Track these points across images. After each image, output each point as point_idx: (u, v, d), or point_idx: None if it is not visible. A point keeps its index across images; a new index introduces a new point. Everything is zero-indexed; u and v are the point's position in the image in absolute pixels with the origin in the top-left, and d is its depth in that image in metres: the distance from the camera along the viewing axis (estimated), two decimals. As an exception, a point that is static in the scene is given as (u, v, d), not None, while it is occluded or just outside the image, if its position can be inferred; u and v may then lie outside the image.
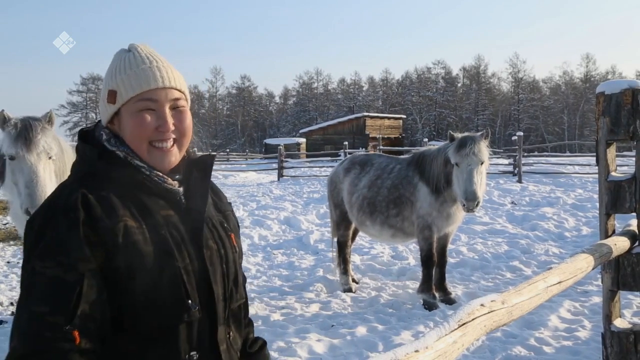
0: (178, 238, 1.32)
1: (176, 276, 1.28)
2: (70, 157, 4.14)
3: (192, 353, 1.32)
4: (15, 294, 6.44)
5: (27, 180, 3.56)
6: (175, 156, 1.40)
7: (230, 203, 1.63)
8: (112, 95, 1.36)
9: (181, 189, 1.41)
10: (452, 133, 5.60)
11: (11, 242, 9.57)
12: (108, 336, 1.23)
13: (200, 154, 1.54)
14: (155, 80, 1.35)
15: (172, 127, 1.37)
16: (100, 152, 1.35)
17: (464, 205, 5.26)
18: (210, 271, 1.36)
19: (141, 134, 1.35)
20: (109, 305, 1.22)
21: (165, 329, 1.28)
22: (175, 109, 1.39)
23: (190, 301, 1.30)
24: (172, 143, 1.38)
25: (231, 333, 1.46)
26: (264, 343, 1.65)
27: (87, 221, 1.21)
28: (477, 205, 5.21)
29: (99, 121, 1.44)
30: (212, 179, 1.52)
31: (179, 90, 1.40)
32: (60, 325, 1.14)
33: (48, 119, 3.83)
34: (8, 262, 8.22)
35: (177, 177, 1.42)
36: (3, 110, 3.72)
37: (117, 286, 1.23)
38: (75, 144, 4.59)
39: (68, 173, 4.18)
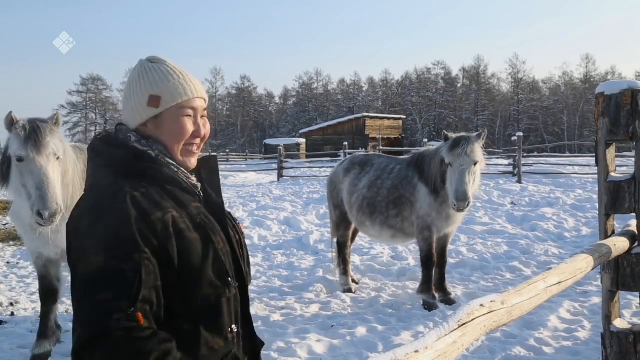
0: (210, 225, 1.50)
1: (218, 257, 1.47)
2: (72, 157, 4.14)
3: (233, 326, 1.50)
4: (15, 294, 6.44)
5: (38, 182, 3.57)
6: (196, 158, 1.60)
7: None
8: (155, 100, 1.51)
9: (199, 184, 1.60)
10: (446, 133, 5.59)
11: (11, 243, 9.56)
12: (164, 320, 1.36)
13: (202, 154, 1.69)
14: (196, 91, 1.56)
15: (203, 134, 1.57)
16: (134, 153, 1.48)
17: (454, 205, 5.25)
18: (238, 253, 1.58)
19: (182, 136, 1.52)
20: (163, 290, 1.36)
21: (212, 305, 1.45)
22: (202, 117, 1.60)
23: (229, 278, 1.49)
24: (197, 146, 1.58)
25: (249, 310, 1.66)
26: None
27: (139, 216, 1.35)
28: (467, 205, 5.21)
29: (118, 126, 1.58)
30: None
31: (205, 100, 1.62)
32: (124, 308, 1.26)
33: (55, 120, 3.85)
34: (8, 263, 8.21)
35: (193, 175, 1.61)
36: (11, 112, 3.73)
37: (170, 271, 1.38)
38: (76, 144, 4.61)
39: (70, 173, 4.18)
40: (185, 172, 1.54)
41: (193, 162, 1.57)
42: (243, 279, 1.56)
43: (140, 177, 1.45)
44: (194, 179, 1.57)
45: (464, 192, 5.16)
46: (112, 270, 1.28)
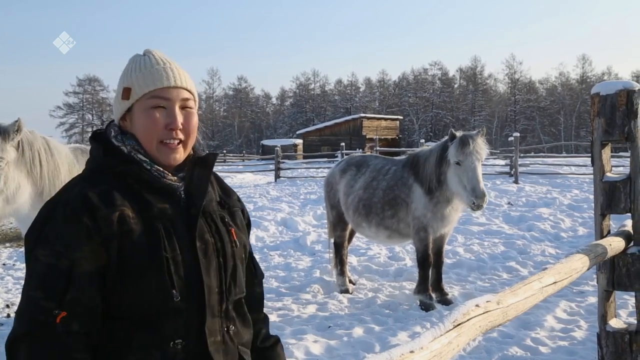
0: (170, 230, 1.37)
1: (162, 266, 1.33)
2: (63, 157, 4.17)
3: (177, 341, 1.35)
4: (12, 296, 6.42)
5: None
6: (180, 154, 1.46)
7: (240, 201, 1.68)
8: (126, 92, 1.44)
9: (181, 184, 1.47)
10: (453, 131, 5.52)
11: (7, 244, 9.53)
12: (98, 321, 1.30)
13: (205, 152, 1.60)
14: (167, 80, 1.43)
15: (180, 126, 1.44)
16: (106, 149, 1.43)
17: (473, 203, 5.16)
18: (203, 263, 1.40)
19: (152, 130, 1.42)
20: (100, 292, 1.30)
21: (151, 316, 1.34)
22: (184, 109, 1.47)
23: (174, 291, 1.33)
24: (178, 141, 1.45)
25: (232, 326, 1.48)
26: (277, 340, 1.70)
27: (85, 212, 1.30)
28: (485, 202, 5.17)
29: (111, 121, 1.53)
30: (222, 179, 1.65)
31: (189, 91, 1.48)
32: (50, 309, 1.23)
33: (16, 127, 3.83)
34: (4, 264, 8.18)
35: (180, 174, 1.48)
36: None
37: (110, 271, 1.31)
38: (74, 145, 4.67)
39: (62, 172, 4.23)
40: (161, 169, 1.43)
41: (175, 157, 1.45)
42: (202, 292, 1.38)
43: (106, 175, 1.39)
44: (172, 179, 1.44)
45: (483, 189, 5.14)
46: (46, 267, 1.26)
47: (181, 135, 1.45)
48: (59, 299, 1.24)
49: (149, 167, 1.42)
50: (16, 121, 3.86)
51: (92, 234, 1.29)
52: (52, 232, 1.29)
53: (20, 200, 3.88)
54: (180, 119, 1.44)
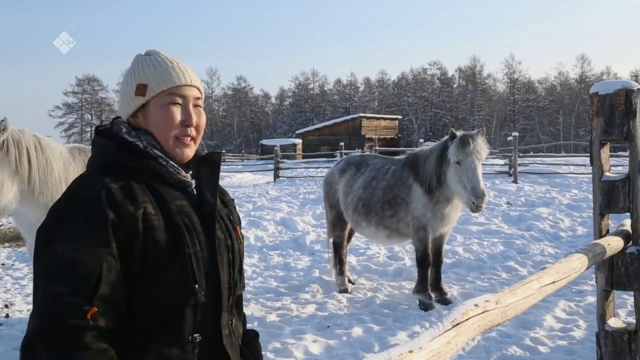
0: (190, 226, 1.41)
1: (186, 262, 1.36)
2: (57, 155, 4.18)
3: (195, 335, 1.39)
4: (10, 296, 6.41)
5: None
6: (192, 149, 1.51)
7: (233, 199, 1.73)
8: (142, 89, 1.47)
9: (193, 181, 1.52)
10: (453, 131, 5.50)
11: (6, 244, 9.53)
12: (123, 318, 1.30)
13: (207, 151, 1.65)
14: (184, 78, 1.50)
15: (194, 123, 1.49)
16: (119, 144, 1.44)
17: (473, 203, 5.16)
18: (219, 259, 1.45)
19: (170, 125, 1.46)
20: (124, 289, 1.30)
21: (173, 312, 1.36)
22: (196, 107, 1.53)
23: (197, 286, 1.38)
24: (190, 138, 1.50)
25: (234, 320, 1.54)
26: (257, 334, 1.75)
27: (109, 207, 1.30)
28: (485, 202, 5.17)
29: (115, 119, 1.54)
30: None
31: (199, 90, 1.55)
32: (79, 305, 1.21)
33: (2, 127, 3.84)
34: (3, 264, 8.18)
35: (189, 172, 1.53)
36: None
37: (133, 269, 1.32)
38: (77, 145, 4.75)
39: (55, 170, 4.32)
40: (175, 165, 1.47)
41: (188, 152, 1.49)
42: (219, 286, 1.44)
43: (122, 169, 1.40)
44: (186, 175, 1.49)
45: (483, 189, 5.13)
46: (72, 264, 1.24)
47: (194, 132, 1.50)
48: (88, 295, 1.23)
49: (164, 163, 1.45)
50: (2, 120, 3.86)
51: (117, 232, 1.29)
52: (76, 228, 1.27)
53: (5, 200, 3.86)
54: (195, 116, 1.50)
